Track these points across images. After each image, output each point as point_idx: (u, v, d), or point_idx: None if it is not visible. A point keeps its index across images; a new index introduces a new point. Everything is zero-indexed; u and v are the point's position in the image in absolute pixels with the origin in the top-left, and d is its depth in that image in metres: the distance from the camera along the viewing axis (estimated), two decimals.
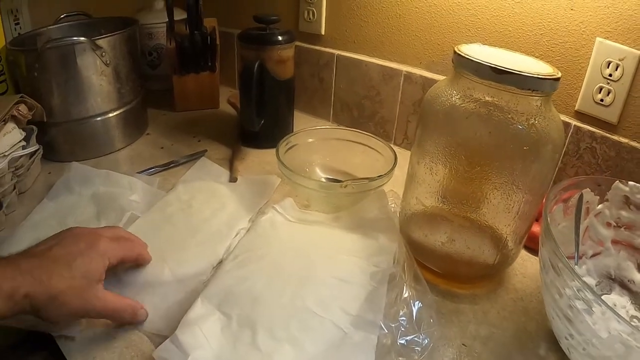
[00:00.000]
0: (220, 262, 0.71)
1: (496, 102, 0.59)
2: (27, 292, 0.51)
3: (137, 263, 0.68)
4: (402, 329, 0.57)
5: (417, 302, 0.60)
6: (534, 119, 0.58)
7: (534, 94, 0.57)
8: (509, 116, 0.58)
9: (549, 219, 0.58)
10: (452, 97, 0.62)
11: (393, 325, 0.57)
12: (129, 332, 0.61)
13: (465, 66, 0.60)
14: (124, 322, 0.61)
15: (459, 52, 0.61)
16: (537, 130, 0.58)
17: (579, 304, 0.51)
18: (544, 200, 0.62)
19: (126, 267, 0.67)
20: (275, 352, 0.54)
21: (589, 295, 0.49)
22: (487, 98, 0.59)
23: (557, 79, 0.57)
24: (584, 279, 0.64)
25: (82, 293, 0.55)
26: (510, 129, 0.58)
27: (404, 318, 0.58)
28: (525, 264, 0.76)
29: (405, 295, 0.60)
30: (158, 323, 0.62)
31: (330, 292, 0.61)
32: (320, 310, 0.58)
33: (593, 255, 0.71)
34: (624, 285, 0.69)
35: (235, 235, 0.76)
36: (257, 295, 0.60)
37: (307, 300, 0.59)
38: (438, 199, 0.67)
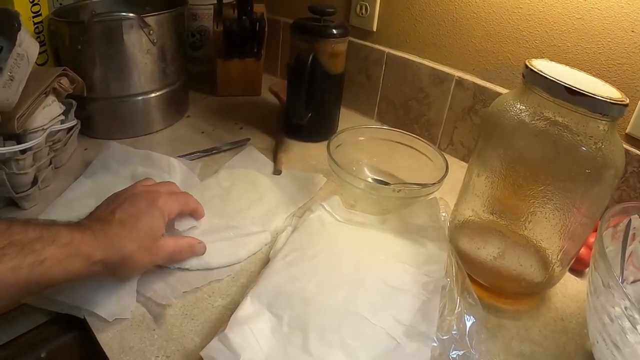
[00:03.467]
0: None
1: (566, 123, 0.58)
2: (102, 257, 0.55)
3: (193, 216, 0.72)
4: (455, 343, 0.57)
5: (470, 316, 0.59)
6: (601, 143, 0.57)
7: (603, 118, 0.56)
8: (578, 138, 0.57)
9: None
10: (521, 113, 0.61)
11: (444, 337, 0.57)
12: (170, 325, 0.61)
13: (538, 83, 0.59)
14: (185, 259, 0.67)
15: (532, 67, 0.60)
16: (603, 155, 0.57)
17: (627, 324, 0.50)
18: (598, 223, 0.61)
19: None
20: (327, 358, 0.53)
21: (636, 315, 0.48)
22: (557, 118, 0.58)
23: (626, 105, 0.56)
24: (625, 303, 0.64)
25: (150, 249, 0.61)
26: (578, 151, 0.57)
27: (456, 332, 0.58)
28: (566, 284, 0.75)
29: (459, 309, 0.60)
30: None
31: (382, 299, 0.60)
32: (373, 317, 0.57)
33: (634, 282, 0.70)
34: None
35: (272, 238, 0.76)
36: (309, 297, 0.59)
37: (360, 306, 0.59)
38: (495, 212, 0.66)
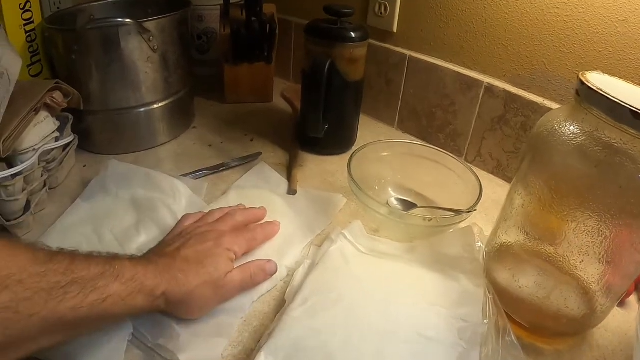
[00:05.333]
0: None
1: (629, 151, 0.50)
2: (165, 290, 0.55)
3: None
4: None
5: None
6: None
7: None
8: None
9: None
10: (576, 138, 0.53)
11: None
12: None
13: (596, 103, 0.51)
14: (259, 282, 0.65)
15: (589, 84, 0.51)
16: None
17: None
18: None
19: None
20: None
21: None
22: (619, 145, 0.50)
23: None
24: None
25: (215, 285, 0.59)
26: None
27: None
28: (607, 317, 0.67)
29: None
30: None
31: (415, 354, 0.54)
32: None
33: None
34: None
35: (289, 272, 0.69)
36: (333, 353, 0.52)
37: None
38: (539, 245, 0.59)
